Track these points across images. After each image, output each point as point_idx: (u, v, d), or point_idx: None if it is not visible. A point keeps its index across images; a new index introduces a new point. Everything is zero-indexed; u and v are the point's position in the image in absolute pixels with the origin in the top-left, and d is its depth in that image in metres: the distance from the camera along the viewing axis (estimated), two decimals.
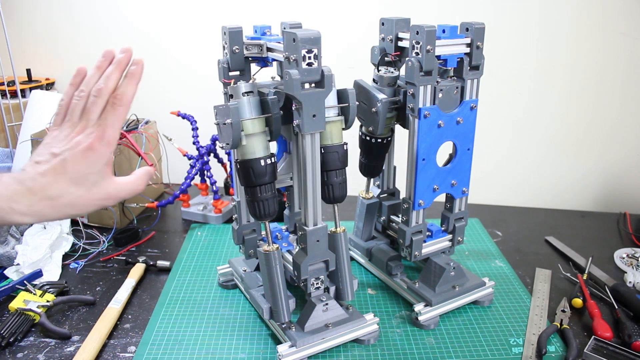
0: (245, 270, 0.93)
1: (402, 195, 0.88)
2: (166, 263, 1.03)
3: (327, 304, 0.80)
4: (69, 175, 0.55)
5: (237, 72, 0.81)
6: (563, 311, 0.88)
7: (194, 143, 1.18)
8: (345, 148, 0.76)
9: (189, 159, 1.21)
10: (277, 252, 0.77)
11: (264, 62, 0.81)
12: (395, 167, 0.97)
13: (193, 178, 1.21)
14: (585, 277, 0.99)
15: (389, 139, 0.89)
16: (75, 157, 0.55)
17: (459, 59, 0.79)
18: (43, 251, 0.99)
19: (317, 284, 0.80)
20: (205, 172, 1.22)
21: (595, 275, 1.00)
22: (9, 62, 1.26)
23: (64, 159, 0.55)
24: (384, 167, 0.95)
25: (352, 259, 1.06)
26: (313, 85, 0.70)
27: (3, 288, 0.90)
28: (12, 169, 1.28)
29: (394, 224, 0.96)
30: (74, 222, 1.14)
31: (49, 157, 0.56)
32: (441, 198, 0.88)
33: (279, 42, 0.75)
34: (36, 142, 1.16)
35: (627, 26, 1.28)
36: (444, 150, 0.84)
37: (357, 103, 0.75)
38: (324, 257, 0.78)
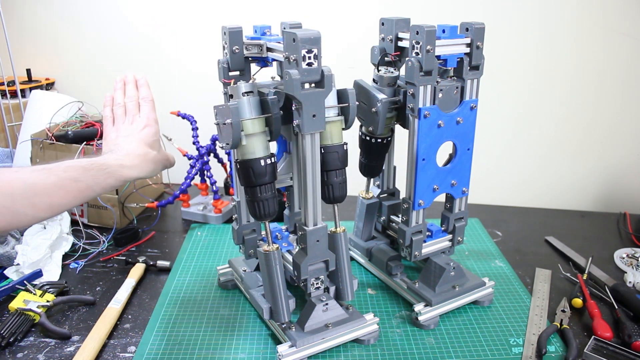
0: (245, 270, 0.93)
1: (402, 195, 0.88)
2: (166, 263, 1.03)
3: (327, 304, 0.80)
4: (144, 141, 0.78)
5: (237, 72, 0.81)
6: (563, 311, 0.88)
7: (193, 143, 1.18)
8: (345, 148, 0.76)
9: (189, 159, 1.21)
10: (277, 252, 0.77)
11: (264, 62, 0.81)
12: (395, 167, 0.97)
13: (193, 178, 1.21)
14: (585, 277, 0.99)
15: (389, 139, 0.89)
16: (142, 131, 0.79)
17: (458, 59, 0.79)
18: (43, 251, 0.99)
19: (317, 284, 0.80)
20: (205, 172, 1.22)
21: (595, 275, 1.00)
22: (9, 62, 1.27)
23: (135, 133, 0.79)
24: (384, 167, 0.95)
25: (352, 259, 1.05)
26: (313, 85, 0.70)
27: (3, 288, 0.90)
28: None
29: (394, 224, 0.96)
30: (74, 222, 1.15)
31: (123, 138, 0.78)
32: (441, 198, 0.88)
33: (279, 42, 0.75)
34: (36, 142, 1.17)
35: (627, 26, 1.28)
36: (444, 150, 0.84)
37: (357, 103, 0.75)
38: (324, 257, 0.78)
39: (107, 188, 0.71)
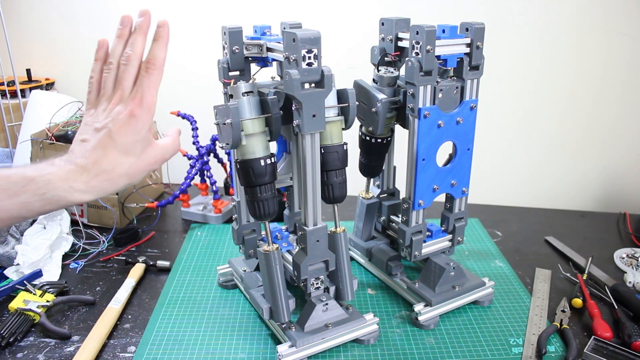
0: (245, 270, 0.93)
1: (402, 195, 0.88)
2: (166, 263, 1.03)
3: (327, 304, 0.80)
4: (118, 146, 0.56)
5: (237, 72, 0.81)
6: (563, 311, 0.88)
7: (193, 143, 1.18)
8: (345, 148, 0.76)
9: (189, 159, 1.21)
10: (277, 252, 0.77)
11: (264, 62, 0.81)
12: (395, 167, 0.97)
13: (193, 178, 1.21)
14: (585, 277, 0.99)
15: (389, 139, 0.89)
16: (119, 127, 0.56)
17: (458, 59, 0.79)
18: (43, 251, 0.99)
19: (317, 284, 0.80)
20: (205, 172, 1.22)
21: (595, 275, 1.00)
22: (9, 62, 1.27)
23: (109, 131, 0.56)
24: (384, 167, 0.95)
25: (352, 259, 1.05)
26: (313, 85, 0.70)
27: (3, 288, 0.90)
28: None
29: (394, 224, 0.96)
30: (74, 222, 1.15)
31: (93, 132, 0.57)
32: (441, 198, 0.88)
33: (279, 42, 0.75)
34: (36, 142, 1.17)
35: (627, 26, 1.28)
36: (444, 150, 0.84)
37: (357, 103, 0.75)
38: (324, 257, 0.78)
39: (44, 213, 0.56)
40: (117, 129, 0.56)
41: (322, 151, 0.74)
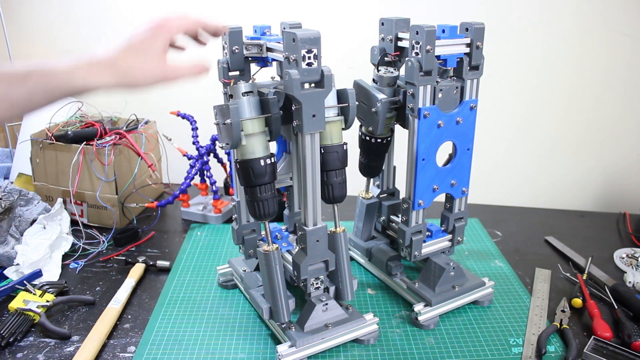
0: (245, 270, 0.93)
1: (402, 195, 0.88)
2: (166, 263, 1.03)
3: (326, 304, 0.80)
4: (129, 42, 0.61)
5: (237, 72, 0.81)
6: (563, 311, 0.88)
7: (193, 143, 1.18)
8: (345, 148, 0.76)
9: (189, 159, 1.21)
10: (277, 252, 0.77)
11: (263, 62, 0.81)
12: (395, 167, 0.97)
13: (193, 178, 1.21)
14: (585, 277, 0.99)
15: (389, 139, 0.89)
16: (142, 29, 0.62)
17: (458, 59, 0.79)
18: (43, 251, 0.99)
19: (317, 284, 0.80)
20: (205, 172, 1.22)
21: (595, 275, 1.00)
22: (9, 62, 1.26)
23: (131, 36, 0.62)
24: (383, 167, 0.95)
25: (352, 259, 1.05)
26: (313, 85, 0.70)
27: (3, 288, 0.90)
28: (12, 169, 1.28)
29: (393, 224, 0.96)
30: (74, 222, 1.15)
31: (121, 40, 0.62)
32: (441, 198, 0.88)
33: (279, 42, 0.75)
34: (36, 142, 1.17)
35: (627, 26, 1.28)
36: (444, 150, 0.84)
37: (357, 103, 0.75)
38: (324, 257, 0.78)
39: (47, 104, 0.58)
40: (139, 31, 0.62)
41: (322, 151, 0.74)
